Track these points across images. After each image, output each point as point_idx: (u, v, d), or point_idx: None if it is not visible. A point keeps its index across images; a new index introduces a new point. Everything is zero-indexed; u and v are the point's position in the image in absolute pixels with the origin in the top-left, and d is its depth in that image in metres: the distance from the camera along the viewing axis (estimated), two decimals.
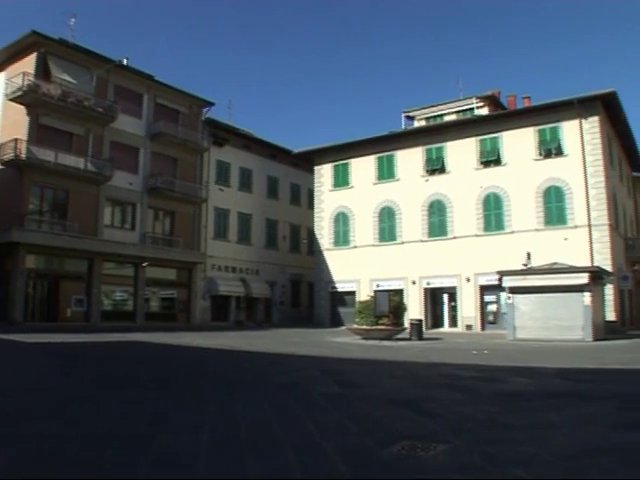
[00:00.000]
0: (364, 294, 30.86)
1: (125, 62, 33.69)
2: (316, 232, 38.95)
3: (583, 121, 30.01)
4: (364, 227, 36.32)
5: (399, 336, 22.90)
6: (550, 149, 30.70)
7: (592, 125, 29.92)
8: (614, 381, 9.96)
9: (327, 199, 38.48)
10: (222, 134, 39.05)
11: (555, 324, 21.34)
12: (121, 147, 32.92)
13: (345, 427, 5.54)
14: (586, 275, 21.85)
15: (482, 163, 32.71)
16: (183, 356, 15.30)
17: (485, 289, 31.31)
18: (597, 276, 23.12)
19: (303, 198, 44.75)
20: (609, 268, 27.26)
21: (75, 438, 4.75)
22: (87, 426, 5.35)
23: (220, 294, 36.83)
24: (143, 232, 33.48)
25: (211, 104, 38.13)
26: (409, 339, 22.43)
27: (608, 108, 30.77)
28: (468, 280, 31.95)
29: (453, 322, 32.87)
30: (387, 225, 35.52)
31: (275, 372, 11.15)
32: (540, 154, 31.02)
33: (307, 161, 40.99)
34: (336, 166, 38.43)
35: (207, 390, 8.27)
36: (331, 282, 37.37)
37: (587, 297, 21.45)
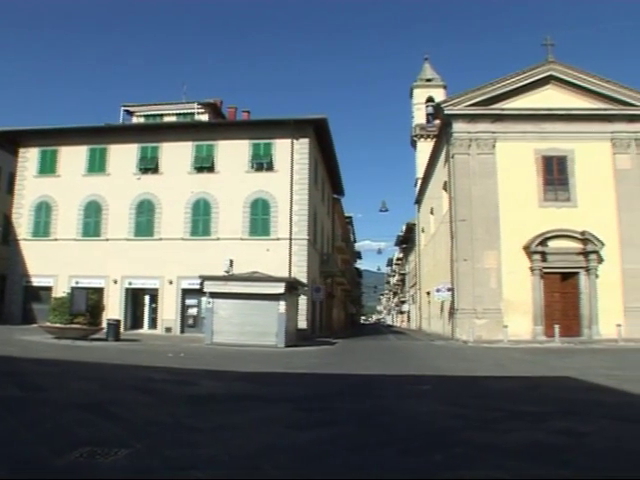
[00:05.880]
0: (61, 290, 28.98)
1: None
2: (14, 220, 35.49)
3: (295, 141, 31.97)
4: (68, 220, 34.02)
5: (95, 336, 21.99)
6: (262, 163, 32.09)
7: (302, 146, 32.04)
8: (296, 384, 10.70)
9: (30, 185, 35.26)
10: None
11: (251, 330, 22.27)
12: None
13: (20, 435, 5.15)
14: (283, 285, 23.15)
15: (196, 168, 32.91)
16: None
17: (187, 292, 31.44)
18: (293, 287, 24.72)
19: (3, 182, 40.54)
20: (305, 280, 29.29)
21: None
22: None
23: None
24: None
25: None
26: (105, 339, 21.64)
27: (318, 132, 33.28)
28: (171, 282, 31.83)
29: (153, 324, 32.40)
30: (93, 220, 33.77)
31: None
32: (252, 167, 32.23)
33: (11, 142, 37.18)
34: (44, 152, 35.47)
35: None
36: (26, 275, 34.37)
37: (282, 306, 22.77)
